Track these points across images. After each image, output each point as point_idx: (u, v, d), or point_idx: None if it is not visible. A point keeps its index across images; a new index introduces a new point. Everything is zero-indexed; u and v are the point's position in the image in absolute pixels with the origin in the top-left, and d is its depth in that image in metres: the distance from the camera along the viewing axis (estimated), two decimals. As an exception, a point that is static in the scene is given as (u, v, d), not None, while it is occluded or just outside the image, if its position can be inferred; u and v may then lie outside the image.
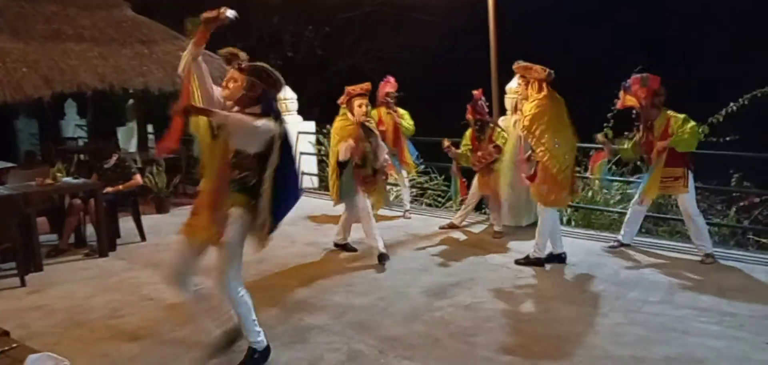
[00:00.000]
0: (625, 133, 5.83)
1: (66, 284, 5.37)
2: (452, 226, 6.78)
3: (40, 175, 6.32)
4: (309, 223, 7.27)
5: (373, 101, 6.95)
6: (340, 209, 6.08)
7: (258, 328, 3.66)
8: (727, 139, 8.25)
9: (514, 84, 6.63)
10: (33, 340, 4.01)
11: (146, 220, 7.05)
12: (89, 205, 6.29)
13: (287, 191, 3.54)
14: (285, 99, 9.08)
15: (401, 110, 7.17)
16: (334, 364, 3.69)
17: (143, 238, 6.78)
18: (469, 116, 6.28)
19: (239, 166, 3.48)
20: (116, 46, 8.86)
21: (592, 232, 6.76)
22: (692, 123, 5.20)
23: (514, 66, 5.18)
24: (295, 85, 9.74)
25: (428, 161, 8.31)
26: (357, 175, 5.52)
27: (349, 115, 5.53)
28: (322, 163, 10.53)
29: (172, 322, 4.39)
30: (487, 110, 6.36)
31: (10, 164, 7.86)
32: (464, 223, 6.89)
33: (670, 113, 5.28)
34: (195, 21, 3.66)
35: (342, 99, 5.66)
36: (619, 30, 14.12)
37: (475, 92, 6.29)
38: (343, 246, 6.07)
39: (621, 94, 5.46)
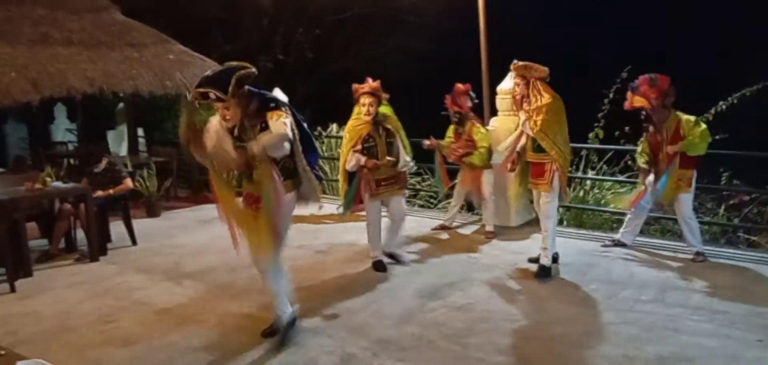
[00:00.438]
0: (617, 133, 5.85)
1: (56, 289, 5.32)
2: (443, 227, 6.79)
3: (30, 180, 6.26)
4: (300, 226, 7.25)
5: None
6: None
7: (287, 301, 4.03)
8: (717, 137, 8.31)
9: (506, 85, 6.65)
10: (22, 347, 3.98)
11: (137, 224, 7.00)
12: (79, 209, 6.24)
13: (311, 152, 3.98)
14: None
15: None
16: (328, 367, 3.69)
17: (134, 242, 6.74)
18: (449, 107, 6.32)
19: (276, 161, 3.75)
20: (105, 50, 8.80)
21: (584, 232, 6.79)
22: (703, 126, 5.22)
23: (512, 66, 5.03)
24: (286, 87, 9.70)
25: (420, 163, 8.32)
26: (368, 179, 5.25)
27: (362, 114, 5.27)
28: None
29: (164, 327, 4.36)
30: (471, 104, 6.33)
31: (-2, 169, 7.79)
32: (455, 224, 6.89)
33: (680, 114, 5.29)
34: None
35: (355, 97, 5.40)
36: (608, 31, 14.18)
37: (459, 85, 6.30)
38: (391, 256, 5.62)
39: (629, 94, 5.44)
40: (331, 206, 8.01)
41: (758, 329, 3.92)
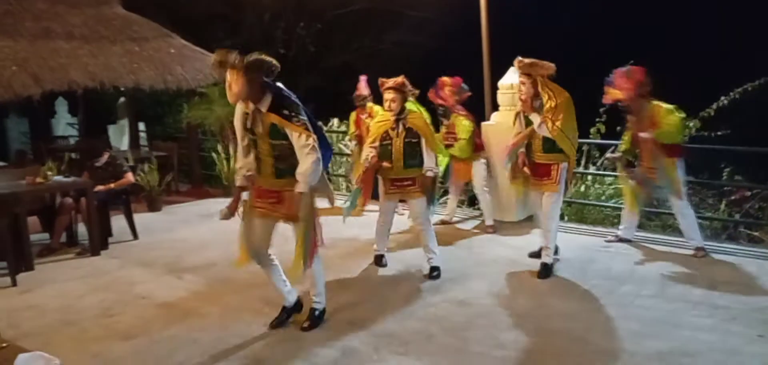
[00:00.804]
0: (618, 128, 5.85)
1: (57, 283, 5.33)
2: (444, 223, 6.78)
3: (31, 174, 6.27)
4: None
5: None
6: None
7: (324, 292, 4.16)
8: (719, 133, 8.31)
9: (507, 80, 6.64)
10: (24, 340, 3.99)
11: (138, 218, 7.01)
12: (81, 204, 6.25)
13: (325, 151, 3.89)
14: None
15: (377, 108, 7.25)
16: (329, 361, 3.69)
17: (135, 236, 6.75)
18: (432, 100, 6.30)
19: (282, 157, 3.74)
20: (106, 44, 8.79)
21: (584, 227, 6.79)
22: (677, 115, 5.21)
23: (517, 62, 4.82)
24: (288, 82, 9.69)
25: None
26: (383, 178, 5.07)
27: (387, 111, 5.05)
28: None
29: (165, 321, 4.37)
30: (458, 98, 6.28)
31: (0, 164, 7.80)
32: (456, 218, 6.90)
33: (658, 103, 5.29)
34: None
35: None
36: (611, 25, 14.15)
37: (442, 79, 6.28)
38: (377, 259, 5.44)
39: (606, 89, 5.47)
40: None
41: (758, 324, 3.92)
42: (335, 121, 10.58)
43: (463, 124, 6.21)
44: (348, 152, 10.07)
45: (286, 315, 4.16)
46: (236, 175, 4.05)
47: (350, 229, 6.74)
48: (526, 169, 5.04)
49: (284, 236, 6.10)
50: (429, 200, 5.10)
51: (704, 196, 8.28)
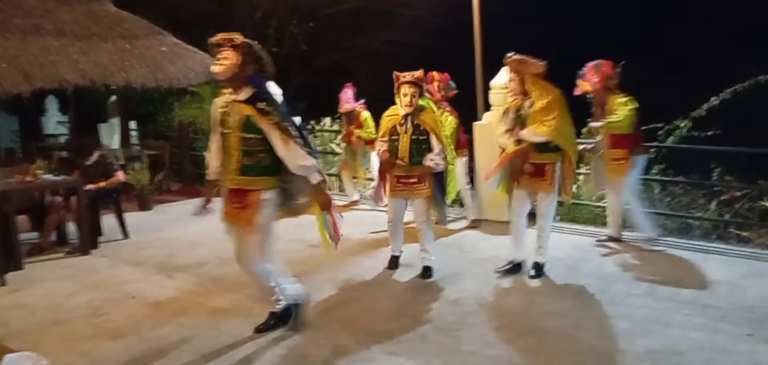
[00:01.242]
0: (588, 120, 5.89)
1: (47, 282, 5.29)
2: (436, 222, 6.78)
3: (21, 172, 6.22)
4: (293, 219, 7.23)
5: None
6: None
7: (285, 291, 3.96)
8: (709, 133, 8.36)
9: (500, 80, 6.65)
10: (13, 339, 3.96)
11: (129, 217, 6.97)
12: (70, 202, 6.21)
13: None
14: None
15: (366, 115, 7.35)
16: (320, 360, 3.68)
17: (126, 235, 6.71)
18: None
19: (250, 153, 3.62)
20: (97, 42, 8.73)
21: (576, 226, 6.81)
22: (630, 106, 5.30)
23: (507, 59, 4.74)
24: (280, 80, 9.67)
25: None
26: (389, 174, 4.98)
27: (398, 106, 4.94)
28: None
29: (155, 320, 4.35)
30: (444, 94, 6.31)
31: (-11, 162, 7.74)
32: (448, 218, 6.90)
33: (618, 96, 5.38)
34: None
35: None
36: (604, 25, 14.20)
37: (431, 74, 6.26)
38: (391, 261, 5.34)
39: (577, 82, 5.55)
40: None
41: (748, 323, 3.94)
42: (327, 120, 10.56)
43: (447, 120, 6.24)
44: (340, 151, 10.08)
45: (273, 321, 4.07)
46: (209, 169, 3.97)
47: (343, 227, 6.72)
48: (526, 167, 4.77)
49: (276, 236, 6.08)
50: (435, 199, 4.95)
51: (695, 196, 8.33)
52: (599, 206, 7.72)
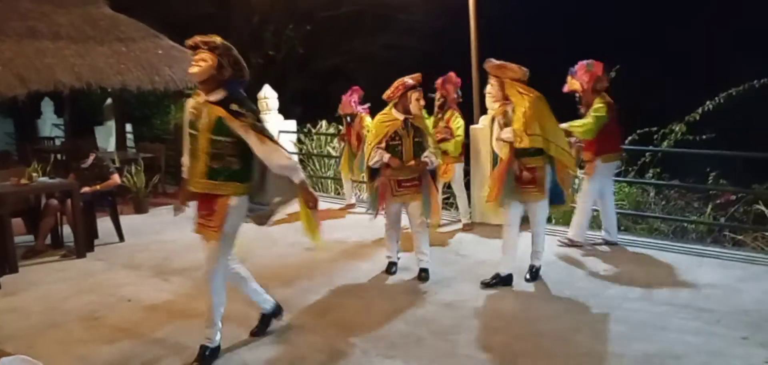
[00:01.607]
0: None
1: (42, 285, 5.27)
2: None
3: (16, 175, 6.20)
4: (290, 223, 7.23)
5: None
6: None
7: (220, 326, 3.75)
8: (704, 137, 8.40)
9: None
10: (8, 343, 3.95)
11: (124, 220, 6.96)
12: (66, 205, 6.19)
13: None
14: (265, 98, 9.04)
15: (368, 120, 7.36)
16: (316, 363, 3.68)
17: (121, 238, 6.69)
18: (438, 88, 6.38)
19: (219, 156, 3.52)
20: (93, 44, 8.74)
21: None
22: (594, 114, 5.36)
23: (486, 65, 4.74)
24: (276, 84, 9.70)
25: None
26: (389, 179, 4.94)
27: (394, 111, 4.94)
28: (303, 162, 10.50)
29: (151, 323, 4.34)
30: (455, 96, 6.36)
31: (-16, 165, 7.71)
32: (443, 221, 6.91)
33: (600, 99, 5.43)
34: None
35: (390, 93, 4.96)
36: (599, 28, 14.26)
37: (452, 74, 6.37)
38: (389, 266, 5.30)
39: (568, 78, 5.60)
40: (319, 203, 7.98)
41: (743, 326, 3.95)
42: (324, 123, 10.57)
43: (459, 121, 6.32)
44: (336, 154, 10.09)
45: (266, 323, 4.08)
46: (183, 168, 3.87)
47: (339, 231, 6.75)
48: (524, 174, 4.70)
49: (271, 239, 6.10)
50: (427, 198, 5.00)
51: (690, 200, 8.36)
52: (595, 210, 7.74)
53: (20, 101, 7.99)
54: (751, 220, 7.45)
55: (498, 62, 4.66)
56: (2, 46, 7.86)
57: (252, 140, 3.47)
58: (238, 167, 3.55)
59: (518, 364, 3.61)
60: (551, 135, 4.58)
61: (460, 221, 6.88)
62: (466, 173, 6.96)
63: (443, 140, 6.20)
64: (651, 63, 14.24)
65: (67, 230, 6.46)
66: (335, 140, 10.29)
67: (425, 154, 4.92)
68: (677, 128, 8.48)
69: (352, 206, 8.01)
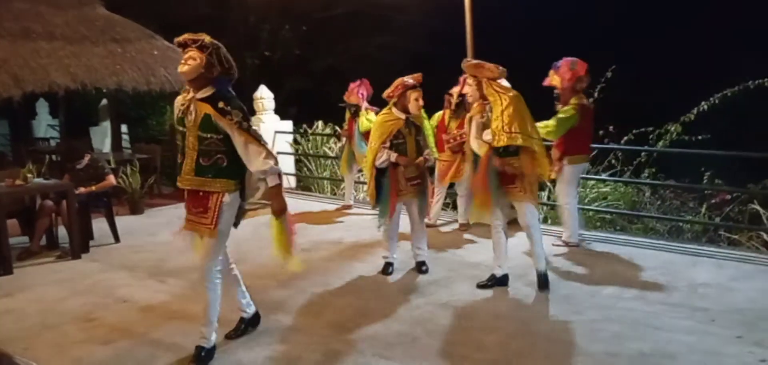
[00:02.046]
0: (601, 132, 5.99)
1: (37, 287, 5.26)
2: (427, 226, 6.80)
3: (11, 176, 6.19)
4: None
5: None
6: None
7: (216, 325, 3.77)
8: (699, 137, 8.43)
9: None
10: (3, 345, 3.94)
11: (120, 221, 6.94)
12: (61, 206, 6.17)
13: None
14: (261, 98, 9.03)
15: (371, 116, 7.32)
16: (312, 364, 3.68)
17: (117, 239, 6.68)
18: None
19: (208, 153, 3.55)
20: (89, 45, 8.72)
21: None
22: (562, 116, 5.44)
23: (464, 64, 4.74)
24: (272, 84, 9.69)
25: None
26: (395, 178, 4.99)
27: (394, 110, 5.00)
28: (299, 162, 10.50)
29: (147, 324, 4.33)
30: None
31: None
32: (440, 221, 6.92)
33: (576, 99, 5.49)
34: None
35: (390, 92, 5.03)
36: (595, 30, 14.30)
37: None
38: (385, 267, 5.30)
39: (550, 72, 5.62)
40: (315, 204, 8.03)
41: (737, 325, 3.97)
42: (320, 123, 10.57)
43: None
44: (332, 155, 10.09)
45: (244, 326, 4.06)
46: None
47: (334, 232, 6.75)
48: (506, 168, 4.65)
49: (267, 239, 6.07)
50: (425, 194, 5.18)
51: (685, 199, 8.39)
52: (591, 209, 7.77)
53: (15, 102, 7.94)
54: (746, 220, 7.48)
55: (475, 62, 4.67)
56: (-3, 46, 7.85)
57: (236, 138, 3.50)
58: (227, 164, 3.57)
59: (514, 364, 3.62)
60: (529, 133, 4.54)
61: (456, 221, 6.88)
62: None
63: (463, 143, 6.07)
64: (647, 63, 14.28)
65: (62, 232, 6.45)
66: (332, 140, 10.30)
67: (426, 151, 5.08)
68: (673, 128, 8.52)
69: (348, 207, 8.01)
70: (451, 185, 6.95)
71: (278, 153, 9.03)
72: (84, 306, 4.75)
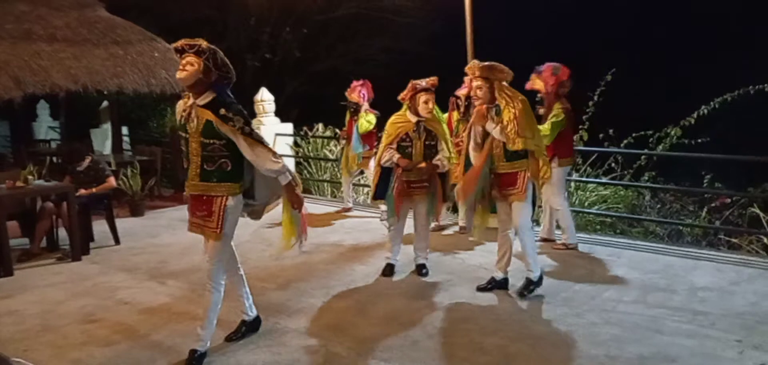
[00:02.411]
0: (601, 135, 6.00)
1: (38, 289, 5.26)
2: (438, 227, 6.80)
3: (11, 178, 6.19)
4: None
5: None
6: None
7: (214, 328, 3.80)
8: (699, 141, 8.44)
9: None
10: (3, 347, 3.94)
11: (120, 223, 6.94)
12: (62, 208, 6.18)
13: None
14: (262, 101, 9.04)
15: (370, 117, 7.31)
16: (312, 367, 3.69)
17: (117, 241, 6.68)
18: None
19: (211, 158, 3.57)
20: (89, 47, 8.72)
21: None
22: (554, 119, 5.49)
23: (477, 66, 4.58)
24: (273, 86, 9.71)
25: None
26: (400, 180, 5.03)
27: (408, 113, 5.02)
28: (299, 165, 10.50)
29: (147, 326, 4.33)
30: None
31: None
32: (442, 222, 6.92)
33: (560, 105, 5.52)
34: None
35: (403, 94, 5.06)
36: (595, 33, 14.32)
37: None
38: (387, 268, 5.29)
39: (532, 76, 5.65)
40: (315, 206, 8.03)
41: (737, 329, 3.97)
42: (320, 126, 10.58)
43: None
44: (332, 157, 10.09)
45: (245, 329, 4.06)
46: None
47: (335, 234, 6.76)
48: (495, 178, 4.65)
49: (268, 241, 6.10)
50: (443, 196, 5.13)
51: (685, 203, 8.39)
52: (591, 212, 7.78)
53: (16, 104, 7.95)
54: (745, 223, 7.49)
55: (488, 63, 4.55)
56: (-2, 48, 7.86)
57: (241, 143, 3.52)
58: (231, 168, 3.60)
59: (514, 367, 3.63)
60: (538, 140, 4.57)
61: (457, 224, 6.89)
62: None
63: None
64: (647, 67, 14.30)
65: (62, 233, 6.45)
66: (332, 143, 10.31)
67: (437, 157, 5.01)
68: (672, 132, 8.52)
69: (348, 209, 8.01)
70: (453, 186, 6.96)
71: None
72: (84, 307, 4.75)
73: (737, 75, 8.52)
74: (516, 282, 4.88)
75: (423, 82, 4.98)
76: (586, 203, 8.05)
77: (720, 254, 5.94)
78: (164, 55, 9.25)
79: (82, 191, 6.37)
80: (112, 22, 9.50)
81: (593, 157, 8.43)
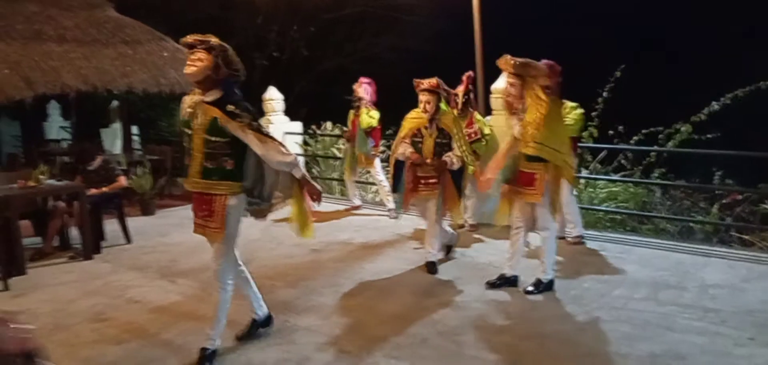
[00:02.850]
0: (611, 132, 5.97)
1: (49, 287, 5.31)
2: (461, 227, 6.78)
3: (23, 177, 6.24)
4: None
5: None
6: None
7: (223, 327, 3.80)
8: (710, 137, 8.39)
9: (500, 84, 6.66)
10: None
11: (131, 222, 6.98)
12: (73, 207, 6.22)
13: None
14: (271, 100, 9.06)
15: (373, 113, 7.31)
16: (322, 364, 3.70)
17: (128, 240, 6.72)
18: (464, 85, 6.25)
19: (213, 156, 3.56)
20: (99, 47, 8.77)
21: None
22: (576, 115, 5.57)
23: (511, 61, 4.38)
24: (281, 85, 9.71)
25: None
26: (410, 174, 5.16)
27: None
28: (308, 164, 10.51)
29: (158, 325, 4.36)
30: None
31: (-8, 167, 7.75)
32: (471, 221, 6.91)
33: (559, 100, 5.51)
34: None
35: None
36: (605, 29, 14.25)
37: (471, 73, 6.35)
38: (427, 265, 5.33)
39: None
40: (324, 204, 8.01)
41: (749, 326, 3.95)
42: (328, 124, 10.59)
43: (480, 119, 6.41)
44: (341, 156, 10.09)
45: (254, 329, 4.06)
46: None
47: (344, 232, 6.77)
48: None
49: (277, 239, 6.11)
50: (459, 191, 5.16)
51: (696, 199, 8.34)
52: (601, 209, 7.74)
53: (27, 104, 8.01)
54: (757, 220, 7.44)
55: (522, 60, 4.33)
56: (8, 49, 7.91)
57: (251, 140, 3.50)
58: (233, 167, 3.59)
59: (524, 365, 3.62)
60: (557, 145, 4.41)
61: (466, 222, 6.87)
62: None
63: (477, 140, 6.18)
64: (657, 63, 14.21)
65: (74, 232, 6.50)
66: (341, 141, 10.31)
67: (447, 154, 5.05)
68: (683, 128, 8.47)
69: (356, 207, 8.02)
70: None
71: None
72: (95, 306, 4.79)
73: (748, 70, 8.46)
74: (526, 279, 4.87)
75: (423, 83, 5.06)
76: (595, 201, 8.01)
77: (731, 251, 5.89)
78: (173, 54, 9.29)
79: (93, 191, 6.41)
80: (121, 21, 9.55)
81: (602, 154, 8.39)
